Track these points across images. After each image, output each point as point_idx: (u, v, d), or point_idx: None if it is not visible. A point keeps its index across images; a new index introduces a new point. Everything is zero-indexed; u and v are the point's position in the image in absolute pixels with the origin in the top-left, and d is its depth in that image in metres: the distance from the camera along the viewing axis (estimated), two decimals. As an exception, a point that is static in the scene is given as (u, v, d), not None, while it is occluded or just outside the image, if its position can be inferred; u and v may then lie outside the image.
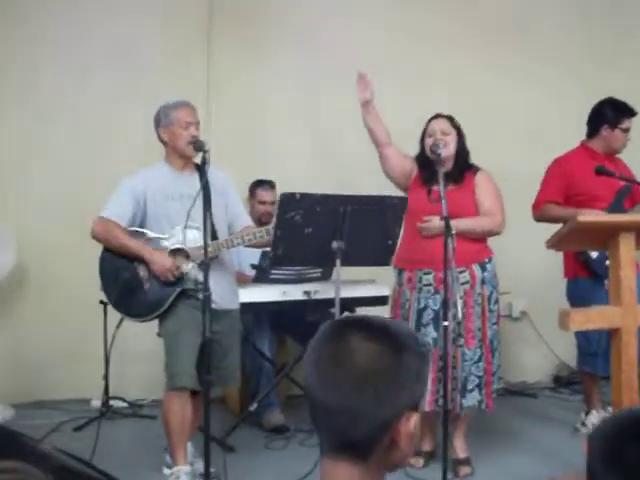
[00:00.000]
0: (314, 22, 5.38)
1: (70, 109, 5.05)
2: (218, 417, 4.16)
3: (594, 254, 4.13)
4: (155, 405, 4.89)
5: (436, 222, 3.59)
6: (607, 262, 4.02)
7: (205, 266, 3.01)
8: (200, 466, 3.22)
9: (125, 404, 4.82)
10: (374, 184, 4.91)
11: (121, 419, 4.66)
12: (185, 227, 3.21)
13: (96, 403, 4.82)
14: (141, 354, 4.78)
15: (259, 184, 4.91)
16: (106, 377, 4.65)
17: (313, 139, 5.43)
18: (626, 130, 4.28)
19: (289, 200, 3.01)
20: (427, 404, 3.68)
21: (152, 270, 3.36)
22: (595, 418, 4.28)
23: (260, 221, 4.52)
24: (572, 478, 3.69)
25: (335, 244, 3.10)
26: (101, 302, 4.57)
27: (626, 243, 3.38)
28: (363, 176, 5.23)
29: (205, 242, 3.05)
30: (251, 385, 4.52)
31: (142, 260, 3.37)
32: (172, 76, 5.08)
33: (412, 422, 1.28)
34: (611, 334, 3.45)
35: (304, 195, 3.02)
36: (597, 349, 4.06)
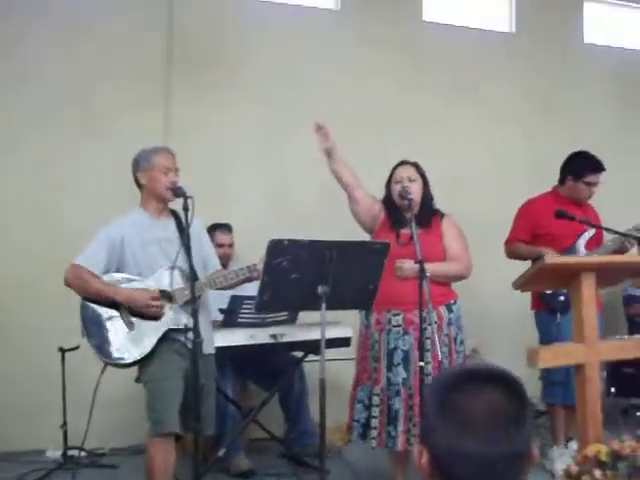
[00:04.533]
0: (271, 70, 5.52)
1: (30, 158, 5.03)
2: (179, 463, 4.10)
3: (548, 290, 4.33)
4: (114, 454, 4.82)
5: (410, 265, 3.69)
6: (561, 297, 4.28)
7: (194, 311, 3.02)
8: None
9: (84, 454, 4.67)
10: (327, 228, 5.06)
11: (81, 469, 4.52)
12: (173, 268, 3.22)
13: (52, 454, 4.70)
14: (96, 401, 4.68)
15: (216, 227, 4.93)
16: (64, 426, 4.54)
17: (269, 182, 5.52)
18: (590, 184, 4.49)
19: (277, 246, 3.05)
20: (400, 444, 3.74)
21: (133, 308, 3.33)
22: (556, 454, 4.42)
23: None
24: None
25: (320, 289, 3.15)
26: (60, 349, 4.52)
27: (587, 283, 3.54)
28: (317, 219, 5.36)
29: (192, 288, 3.07)
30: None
31: (118, 304, 3.35)
32: (131, 124, 5.11)
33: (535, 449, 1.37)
34: (574, 369, 3.60)
35: (291, 241, 3.07)
36: (558, 379, 4.23)
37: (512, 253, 4.58)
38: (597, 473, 3.25)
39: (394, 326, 3.86)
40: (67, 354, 4.51)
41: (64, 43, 5.11)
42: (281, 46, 5.59)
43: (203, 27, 5.42)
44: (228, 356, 4.29)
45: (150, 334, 3.32)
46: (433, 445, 1.35)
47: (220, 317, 4.33)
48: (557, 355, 3.61)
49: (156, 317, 3.32)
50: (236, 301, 4.19)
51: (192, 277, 3.16)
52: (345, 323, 4.45)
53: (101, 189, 5.04)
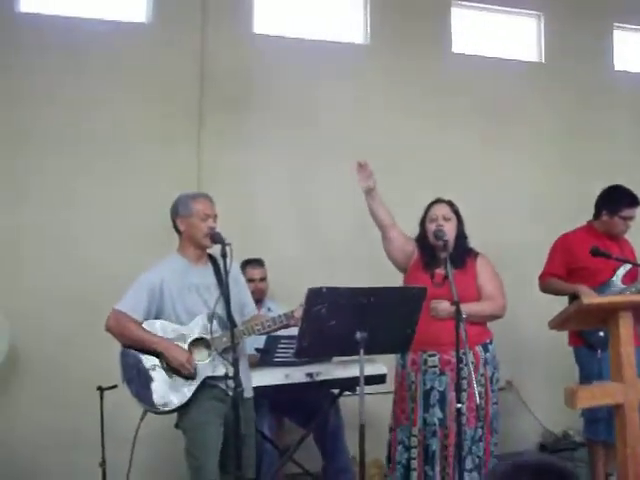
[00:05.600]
0: (302, 105, 5.57)
1: (63, 196, 5.10)
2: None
3: None
4: (152, 492, 4.87)
5: (445, 305, 3.70)
6: (600, 333, 4.25)
7: (235, 361, 3.06)
8: None
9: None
10: (358, 264, 5.08)
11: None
12: (212, 317, 3.26)
13: (91, 491, 4.74)
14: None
15: (248, 262, 4.96)
16: (103, 464, 4.57)
17: (300, 219, 5.56)
18: (625, 218, 4.48)
19: (316, 294, 3.09)
20: (436, 483, 3.75)
21: (169, 363, 3.38)
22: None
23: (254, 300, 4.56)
24: None
25: (359, 335, 3.19)
26: (98, 388, 4.57)
27: (624, 321, 3.53)
28: (348, 255, 5.39)
29: (232, 337, 3.11)
30: (253, 468, 4.51)
31: (158, 353, 3.39)
32: (163, 162, 5.22)
33: None
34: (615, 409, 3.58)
35: (330, 289, 3.11)
36: (601, 415, 4.20)
37: (547, 288, 4.58)
38: (639, 516, 3.23)
39: (430, 367, 3.87)
40: (106, 393, 4.56)
41: (103, 83, 5.21)
42: (311, 82, 5.64)
43: (234, 66, 5.48)
44: (264, 395, 4.32)
45: (189, 382, 3.36)
46: None
47: (256, 356, 4.35)
48: (595, 395, 3.59)
49: (187, 377, 3.37)
50: (272, 341, 4.21)
51: (232, 325, 3.19)
52: (380, 360, 4.44)
53: (135, 228, 5.11)
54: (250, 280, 4.84)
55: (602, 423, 4.21)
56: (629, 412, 3.47)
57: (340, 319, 3.16)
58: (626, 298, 3.89)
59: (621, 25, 6.71)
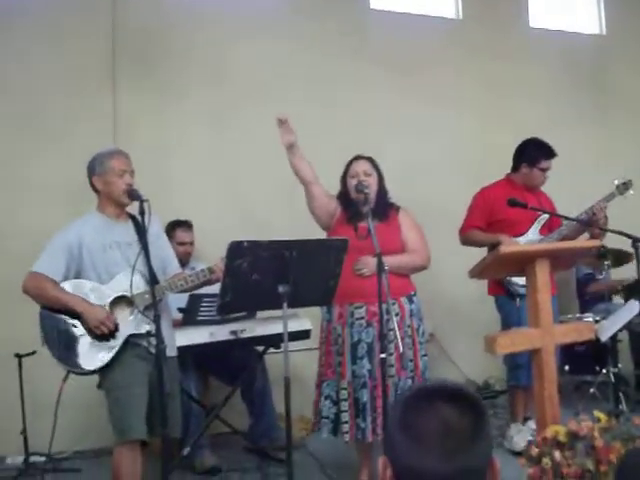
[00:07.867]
0: (220, 60, 5.51)
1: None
2: (147, 464, 4.07)
3: None
4: (76, 457, 4.78)
5: (370, 261, 3.70)
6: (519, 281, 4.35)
7: (156, 317, 3.00)
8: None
9: (44, 459, 4.61)
10: (281, 219, 5.07)
11: (44, 474, 4.45)
12: (132, 274, 3.18)
13: (12, 460, 4.64)
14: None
15: (178, 225, 4.89)
16: (24, 432, 4.48)
17: (220, 177, 5.49)
18: (544, 169, 4.60)
19: (237, 248, 3.05)
20: (369, 434, 3.78)
21: (86, 324, 3.29)
22: (514, 431, 4.52)
23: (180, 262, 4.49)
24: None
25: (281, 288, 3.17)
26: (16, 355, 4.45)
27: (542, 269, 3.63)
28: (270, 212, 5.36)
29: (153, 293, 3.05)
30: (180, 430, 4.48)
31: (77, 313, 3.30)
32: (78, 120, 5.07)
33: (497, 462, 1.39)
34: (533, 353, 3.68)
35: (251, 242, 3.07)
36: (522, 362, 4.29)
37: (467, 240, 4.65)
38: (557, 455, 3.33)
39: (357, 319, 3.87)
40: (24, 359, 4.45)
41: (15, 36, 5.07)
42: (225, 35, 5.59)
43: (148, 25, 5.38)
44: (190, 355, 4.28)
45: (112, 341, 3.28)
46: (394, 461, 1.38)
47: (179, 316, 4.30)
48: (514, 341, 3.68)
49: (100, 337, 3.28)
50: (195, 300, 4.17)
51: (152, 281, 3.13)
52: (303, 315, 4.44)
53: (52, 184, 4.98)
54: (180, 244, 4.80)
55: (523, 369, 4.32)
56: (546, 356, 3.58)
57: (262, 273, 3.13)
58: (542, 246, 3.98)
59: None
